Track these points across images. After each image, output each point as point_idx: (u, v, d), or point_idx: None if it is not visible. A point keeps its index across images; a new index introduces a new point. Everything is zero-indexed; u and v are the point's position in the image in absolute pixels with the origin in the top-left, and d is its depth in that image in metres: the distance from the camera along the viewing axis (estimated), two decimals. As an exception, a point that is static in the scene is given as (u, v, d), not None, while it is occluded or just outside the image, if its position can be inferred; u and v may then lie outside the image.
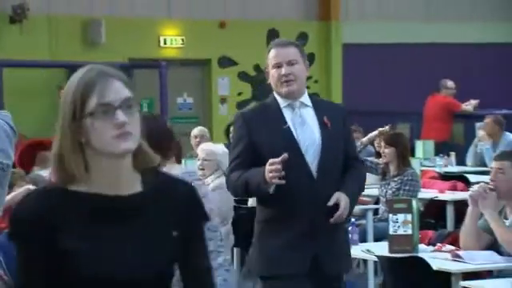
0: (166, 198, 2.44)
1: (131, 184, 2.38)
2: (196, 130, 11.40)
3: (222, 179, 8.38)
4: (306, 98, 4.75)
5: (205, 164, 8.29)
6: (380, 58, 17.73)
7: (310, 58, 17.95)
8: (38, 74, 15.30)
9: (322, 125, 4.67)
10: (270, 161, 4.38)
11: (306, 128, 4.67)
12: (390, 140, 9.11)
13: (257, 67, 17.56)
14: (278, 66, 4.63)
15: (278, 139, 4.61)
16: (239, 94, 17.41)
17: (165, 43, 16.74)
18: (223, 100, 17.35)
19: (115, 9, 15.93)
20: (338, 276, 4.81)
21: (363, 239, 7.47)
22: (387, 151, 8.83)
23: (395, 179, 8.71)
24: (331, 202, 4.54)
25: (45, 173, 7.76)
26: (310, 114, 4.71)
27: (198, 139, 10.84)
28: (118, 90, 2.31)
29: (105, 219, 2.35)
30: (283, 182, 4.37)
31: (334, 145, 4.69)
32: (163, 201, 2.43)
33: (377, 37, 17.84)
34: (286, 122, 4.64)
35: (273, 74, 4.67)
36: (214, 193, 8.08)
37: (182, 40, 16.75)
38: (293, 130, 4.64)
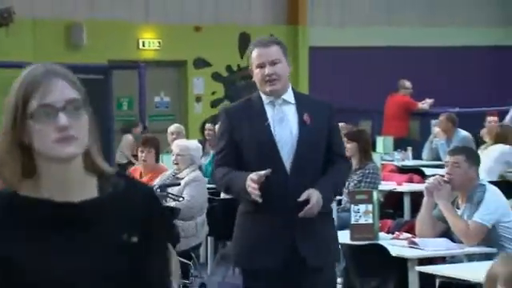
0: (123, 202, 2.15)
1: (84, 189, 2.11)
2: (172, 127, 11.41)
3: (197, 173, 8.48)
4: (289, 95, 4.54)
5: (179, 159, 8.33)
6: (343, 60, 17.75)
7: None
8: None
9: (301, 122, 4.45)
10: (251, 176, 4.25)
11: (284, 125, 4.45)
12: (353, 136, 9.13)
13: (229, 68, 17.63)
14: (261, 66, 4.44)
15: (257, 135, 4.44)
16: (213, 93, 17.43)
17: (143, 45, 16.72)
18: (198, 99, 17.35)
19: (96, 13, 15.88)
20: (320, 269, 4.44)
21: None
22: (349, 146, 8.71)
23: (357, 172, 8.72)
24: (301, 198, 4.32)
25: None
26: (291, 111, 4.50)
27: (174, 136, 10.83)
28: (63, 91, 2.05)
29: (53, 226, 2.08)
30: (260, 200, 4.24)
31: (313, 142, 4.46)
32: (120, 206, 2.15)
33: (340, 40, 17.91)
34: (266, 119, 4.45)
35: (256, 74, 4.48)
36: (190, 186, 8.16)
37: (159, 43, 16.74)
38: (272, 126, 4.44)
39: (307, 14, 18.23)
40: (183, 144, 8.77)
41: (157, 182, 8.32)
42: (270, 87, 4.41)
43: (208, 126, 11.93)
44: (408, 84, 14.45)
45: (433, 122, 12.90)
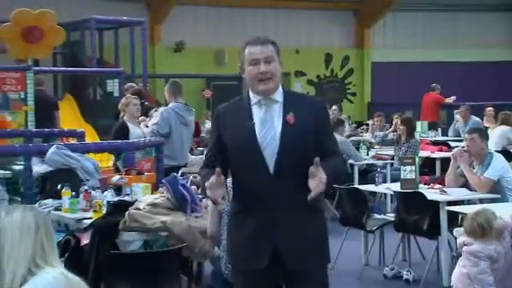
0: None
1: None
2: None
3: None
4: (277, 94, 2.95)
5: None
6: (395, 70, 17.51)
7: (351, 72, 18.04)
8: (186, 81, 15.59)
9: (284, 121, 2.90)
10: (206, 184, 2.83)
11: (268, 125, 2.91)
12: (402, 121, 9.15)
13: (318, 76, 17.71)
14: (255, 63, 2.90)
15: (241, 136, 2.91)
16: (307, 93, 17.37)
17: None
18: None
19: (233, 41, 16.04)
20: (303, 271, 2.95)
21: (384, 181, 7.39)
22: (401, 128, 8.87)
23: (405, 145, 8.66)
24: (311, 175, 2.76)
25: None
26: (276, 111, 2.93)
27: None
28: None
29: None
30: (221, 203, 2.88)
31: (298, 141, 2.88)
32: None
33: (392, 57, 17.66)
34: (251, 119, 2.92)
35: (249, 71, 2.92)
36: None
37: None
38: (256, 126, 2.90)
39: (370, 40, 18.03)
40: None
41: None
42: (262, 86, 2.90)
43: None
44: (438, 86, 14.15)
45: (455, 111, 12.64)
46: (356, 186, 7.05)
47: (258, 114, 2.93)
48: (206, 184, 2.80)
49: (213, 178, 2.78)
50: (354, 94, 18.12)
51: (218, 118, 3.04)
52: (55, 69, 12.70)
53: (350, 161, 8.55)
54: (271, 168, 2.89)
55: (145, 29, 11.78)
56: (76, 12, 12.45)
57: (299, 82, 17.41)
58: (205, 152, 5.00)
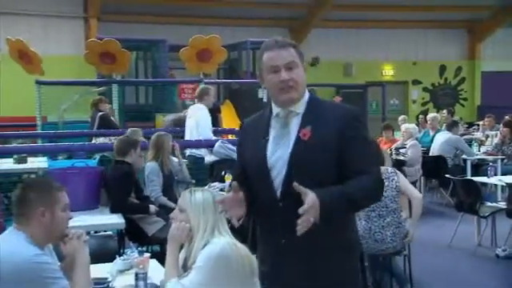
0: None
1: None
2: (401, 117, 10.96)
3: (415, 141, 8.15)
4: (300, 105, 1.99)
5: (404, 133, 8.21)
6: (503, 78, 16.20)
7: (463, 80, 17.01)
8: (320, 90, 15.53)
9: (298, 137, 1.96)
10: (217, 200, 2.09)
11: (282, 142, 1.98)
12: (506, 123, 8.35)
13: (432, 84, 16.82)
14: (276, 70, 1.96)
15: (254, 152, 2.02)
16: (422, 98, 16.68)
17: (385, 73, 16.29)
18: (414, 102, 16.75)
19: (360, 56, 15.73)
20: None
21: (495, 174, 6.88)
22: (504, 130, 8.15)
23: (510, 144, 8.00)
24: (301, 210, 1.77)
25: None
26: (293, 124, 1.98)
27: (402, 122, 10.27)
28: None
29: None
30: (235, 223, 1.97)
31: (311, 161, 1.92)
32: None
33: (500, 67, 16.34)
34: (266, 135, 2.01)
35: (269, 80, 1.98)
36: (412, 147, 7.88)
37: (393, 71, 16.31)
38: (269, 144, 2.00)
39: (481, 52, 16.88)
40: (407, 125, 8.58)
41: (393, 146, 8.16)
42: (283, 96, 1.97)
43: (421, 117, 11.42)
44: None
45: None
46: (469, 177, 6.64)
47: (274, 128, 2.02)
48: (218, 199, 2.03)
49: (228, 194, 1.94)
50: (465, 99, 17.13)
51: (241, 132, 2.16)
52: (219, 80, 13.27)
53: (464, 156, 8.10)
54: (278, 190, 1.95)
55: (288, 48, 11.87)
56: (235, 36, 12.88)
57: (415, 89, 16.74)
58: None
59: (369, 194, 1.93)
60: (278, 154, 1.97)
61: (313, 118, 1.97)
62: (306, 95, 2.03)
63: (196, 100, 6.67)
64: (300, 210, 1.74)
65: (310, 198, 1.76)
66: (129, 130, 5.99)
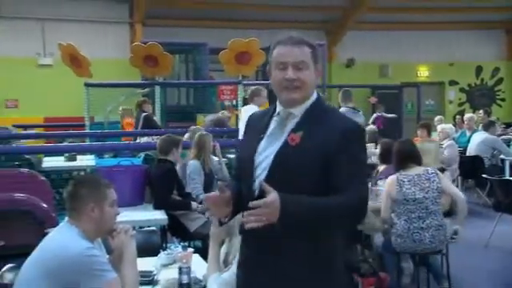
0: None
1: None
2: (437, 118, 10.64)
3: (452, 141, 7.92)
4: (301, 108, 1.82)
5: (440, 134, 8.01)
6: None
7: (501, 81, 16.47)
8: (356, 90, 15.39)
9: (285, 140, 1.79)
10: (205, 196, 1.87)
11: (274, 140, 1.82)
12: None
13: (469, 85, 16.36)
14: (283, 67, 1.81)
15: (246, 149, 1.87)
16: (459, 99, 16.25)
17: (420, 74, 15.91)
18: (450, 102, 16.32)
19: (396, 57, 15.45)
20: None
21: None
22: None
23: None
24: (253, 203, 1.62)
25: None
26: (289, 126, 1.82)
27: (438, 122, 10.08)
28: None
29: None
30: (214, 221, 2.02)
31: (293, 168, 1.74)
32: None
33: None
34: (263, 133, 1.86)
35: (275, 76, 1.84)
36: (448, 147, 7.67)
37: (429, 72, 15.98)
38: (262, 142, 1.84)
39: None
40: (444, 126, 8.42)
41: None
42: (286, 95, 1.82)
43: (458, 117, 11.13)
44: None
45: None
46: (507, 177, 6.41)
47: (272, 127, 1.86)
48: (203, 197, 1.78)
49: (214, 193, 1.80)
50: (503, 100, 16.60)
51: (246, 125, 1.99)
52: (257, 82, 13.23)
53: (502, 156, 7.85)
54: (256, 193, 1.76)
55: (325, 50, 11.80)
56: (273, 39, 12.83)
57: (452, 90, 16.32)
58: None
59: (346, 213, 1.69)
60: (265, 154, 1.81)
61: (308, 125, 1.80)
62: (312, 99, 1.84)
63: (248, 101, 6.81)
64: (250, 204, 1.57)
65: (271, 196, 1.60)
66: (191, 128, 5.95)
